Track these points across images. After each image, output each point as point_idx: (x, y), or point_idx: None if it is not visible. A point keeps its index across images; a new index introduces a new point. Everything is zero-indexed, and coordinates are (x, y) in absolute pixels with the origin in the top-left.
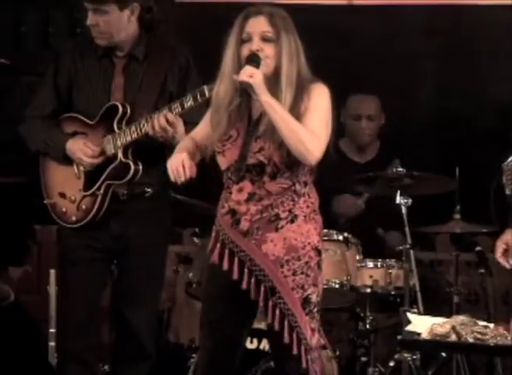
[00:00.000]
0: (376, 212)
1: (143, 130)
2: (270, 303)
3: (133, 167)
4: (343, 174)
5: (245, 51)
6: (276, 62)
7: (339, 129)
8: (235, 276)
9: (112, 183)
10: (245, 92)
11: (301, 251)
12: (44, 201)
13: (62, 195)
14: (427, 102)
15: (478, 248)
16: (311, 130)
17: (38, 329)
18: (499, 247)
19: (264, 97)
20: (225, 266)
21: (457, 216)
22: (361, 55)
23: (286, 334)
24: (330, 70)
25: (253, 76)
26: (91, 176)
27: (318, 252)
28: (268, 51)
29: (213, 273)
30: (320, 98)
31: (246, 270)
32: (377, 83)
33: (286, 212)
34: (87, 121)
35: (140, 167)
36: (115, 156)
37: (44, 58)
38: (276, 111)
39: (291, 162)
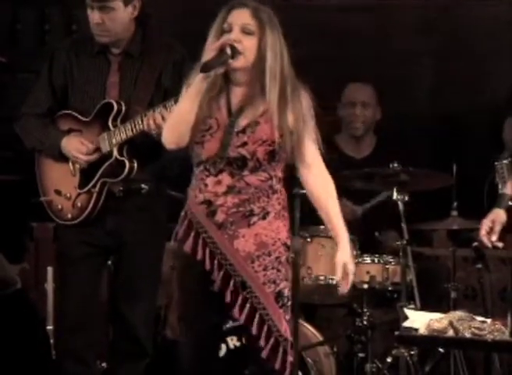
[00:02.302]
0: (373, 214)
1: (138, 128)
2: (240, 297)
3: (128, 165)
4: (339, 170)
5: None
6: (257, 56)
7: (336, 124)
8: (207, 266)
9: (107, 181)
10: (225, 81)
11: (271, 247)
12: (40, 199)
13: (58, 192)
14: (424, 99)
15: (475, 244)
16: (316, 157)
17: (40, 319)
18: (485, 225)
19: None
20: (200, 255)
21: (455, 213)
22: (358, 53)
23: (254, 327)
24: (327, 68)
25: None
26: (86, 174)
27: (287, 248)
28: (247, 44)
29: (186, 264)
30: (309, 113)
31: (216, 262)
32: (374, 81)
33: (260, 208)
34: (82, 118)
35: (135, 164)
36: (110, 154)
37: (41, 56)
38: None
39: (273, 158)
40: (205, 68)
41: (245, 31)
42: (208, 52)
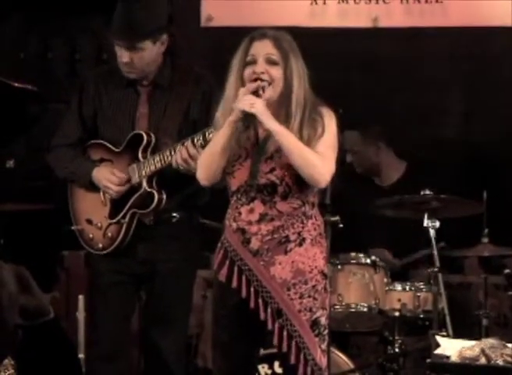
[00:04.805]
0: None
1: (167, 161)
2: (277, 325)
3: (156, 197)
4: (368, 198)
5: (248, 72)
6: (284, 85)
7: None
8: (243, 294)
9: (136, 212)
10: (249, 114)
11: (308, 275)
12: (72, 228)
13: (89, 222)
14: (453, 126)
15: (507, 271)
16: (321, 153)
17: (73, 348)
18: None
19: (271, 124)
20: (235, 283)
21: (485, 240)
22: (386, 80)
23: (292, 355)
24: (354, 95)
25: (254, 105)
26: (117, 204)
27: (325, 276)
28: (273, 74)
29: (221, 294)
30: (330, 123)
31: (252, 289)
32: (402, 108)
33: (296, 234)
34: (113, 148)
35: (164, 196)
36: (139, 185)
37: (72, 85)
38: (285, 137)
39: (303, 182)
40: (246, 120)
41: (269, 61)
42: (242, 102)
